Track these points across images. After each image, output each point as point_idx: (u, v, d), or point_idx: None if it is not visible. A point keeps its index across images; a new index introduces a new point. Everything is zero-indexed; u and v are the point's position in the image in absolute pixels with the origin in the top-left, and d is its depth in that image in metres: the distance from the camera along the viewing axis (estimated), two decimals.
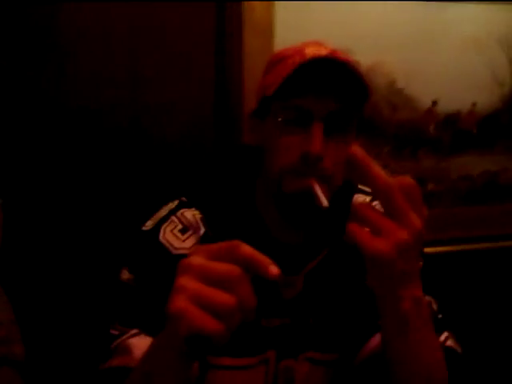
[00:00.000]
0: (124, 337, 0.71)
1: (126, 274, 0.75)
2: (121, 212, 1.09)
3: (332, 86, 0.68)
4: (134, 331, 0.71)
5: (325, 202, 0.65)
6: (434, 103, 1.27)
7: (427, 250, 1.20)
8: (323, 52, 0.70)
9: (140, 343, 0.69)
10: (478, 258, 1.36)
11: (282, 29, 1.13)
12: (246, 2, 1.10)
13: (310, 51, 0.70)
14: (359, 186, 0.86)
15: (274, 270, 0.46)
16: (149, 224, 0.79)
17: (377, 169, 0.49)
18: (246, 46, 1.12)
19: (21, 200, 1.05)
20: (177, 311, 0.45)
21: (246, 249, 0.46)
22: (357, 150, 0.49)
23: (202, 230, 0.77)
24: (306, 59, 0.67)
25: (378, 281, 0.54)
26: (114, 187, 1.10)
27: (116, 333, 0.72)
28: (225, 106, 1.13)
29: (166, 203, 0.81)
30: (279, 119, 0.71)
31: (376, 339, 0.76)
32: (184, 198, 0.81)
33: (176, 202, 0.80)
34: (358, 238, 0.50)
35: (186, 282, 0.45)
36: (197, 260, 0.46)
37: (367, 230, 0.50)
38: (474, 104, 1.31)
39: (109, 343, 0.71)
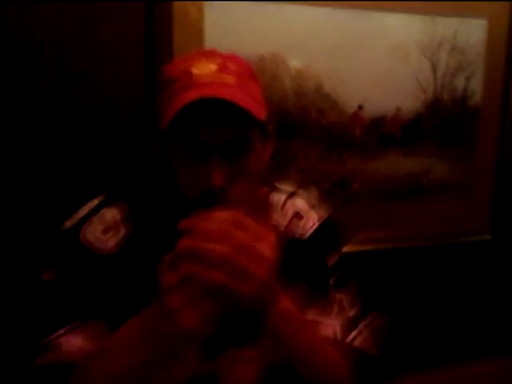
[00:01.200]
0: (52, 336, 0.72)
1: (47, 275, 0.75)
2: (42, 210, 1.08)
3: (223, 116, 0.68)
4: (62, 331, 0.72)
5: None
6: (360, 107, 1.32)
7: (351, 248, 1.26)
8: (211, 69, 0.69)
9: (69, 341, 0.70)
10: (401, 256, 1.44)
11: (211, 30, 1.14)
12: (175, 3, 1.11)
13: (197, 71, 0.69)
14: (276, 185, 0.89)
15: None
16: (68, 224, 0.78)
17: None
18: (175, 46, 1.12)
19: None
20: None
21: None
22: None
23: (123, 231, 0.77)
24: (189, 99, 0.65)
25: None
26: (36, 183, 1.08)
27: (43, 331, 0.72)
28: (154, 107, 1.13)
29: (86, 203, 0.81)
30: (177, 153, 0.71)
31: None
32: (105, 195, 0.80)
33: (96, 202, 0.80)
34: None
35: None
36: None
37: None
38: (398, 109, 1.37)
39: (38, 341, 0.72)
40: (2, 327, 1.07)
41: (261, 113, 0.71)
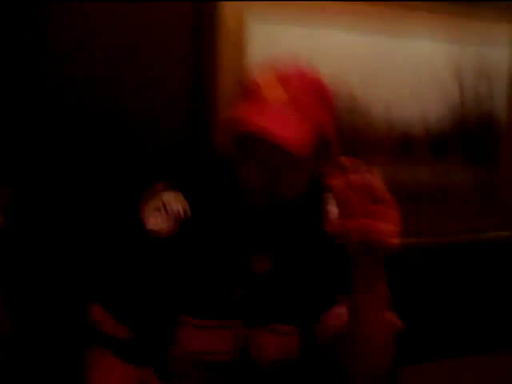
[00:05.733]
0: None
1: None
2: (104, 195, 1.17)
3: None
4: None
5: None
6: (390, 125, 1.40)
7: None
8: (280, 97, 0.77)
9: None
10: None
11: (254, 51, 1.23)
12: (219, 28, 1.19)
13: (269, 96, 0.77)
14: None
15: None
16: (136, 201, 0.88)
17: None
18: (220, 59, 1.21)
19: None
20: None
21: None
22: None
23: (182, 214, 0.86)
24: (254, 129, 0.74)
25: (368, 255, 0.66)
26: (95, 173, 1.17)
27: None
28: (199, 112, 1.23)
29: (152, 184, 0.90)
30: (244, 155, 0.81)
31: (332, 315, 0.87)
32: (171, 181, 0.89)
33: (163, 185, 0.89)
34: (362, 235, 0.62)
35: None
36: None
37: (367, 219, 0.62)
38: (426, 128, 1.45)
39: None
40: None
41: (313, 148, 0.78)
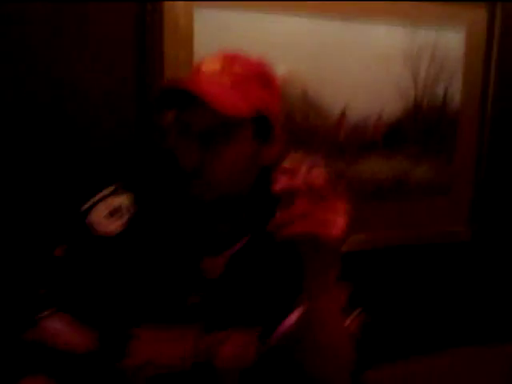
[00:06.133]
0: (42, 314, 0.80)
1: (58, 251, 0.85)
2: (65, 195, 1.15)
3: (205, 105, 0.76)
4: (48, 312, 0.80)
5: None
6: (343, 113, 1.39)
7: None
8: (215, 67, 0.81)
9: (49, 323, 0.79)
10: (385, 255, 1.51)
11: (200, 38, 1.21)
12: (166, 12, 1.17)
13: (204, 68, 0.82)
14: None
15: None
16: (83, 207, 0.88)
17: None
18: (166, 55, 1.19)
19: None
20: None
21: None
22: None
23: (127, 215, 0.86)
24: (180, 86, 0.77)
25: (317, 257, 0.68)
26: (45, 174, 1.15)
27: (36, 305, 0.81)
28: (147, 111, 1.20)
29: (102, 189, 0.90)
30: (172, 128, 0.82)
31: (288, 321, 0.86)
32: (116, 185, 0.89)
33: (108, 190, 0.89)
34: (308, 230, 0.62)
35: None
36: None
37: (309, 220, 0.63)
38: (380, 115, 1.44)
39: (30, 315, 0.80)
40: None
41: (244, 112, 0.78)
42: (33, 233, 1.14)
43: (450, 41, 1.50)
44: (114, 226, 0.85)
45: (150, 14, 1.16)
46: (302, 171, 0.64)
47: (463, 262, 1.63)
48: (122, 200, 0.87)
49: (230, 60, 0.83)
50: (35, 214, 1.14)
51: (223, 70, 0.80)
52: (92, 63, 1.15)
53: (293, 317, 0.85)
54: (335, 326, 0.76)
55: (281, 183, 0.64)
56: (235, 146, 0.80)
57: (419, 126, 1.50)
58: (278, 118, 0.87)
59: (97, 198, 0.88)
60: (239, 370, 0.90)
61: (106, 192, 0.88)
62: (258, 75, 0.84)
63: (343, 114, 1.39)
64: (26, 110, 1.12)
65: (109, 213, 0.85)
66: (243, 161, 0.83)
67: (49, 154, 1.15)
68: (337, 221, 0.64)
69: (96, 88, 1.16)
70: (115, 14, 1.15)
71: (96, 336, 0.81)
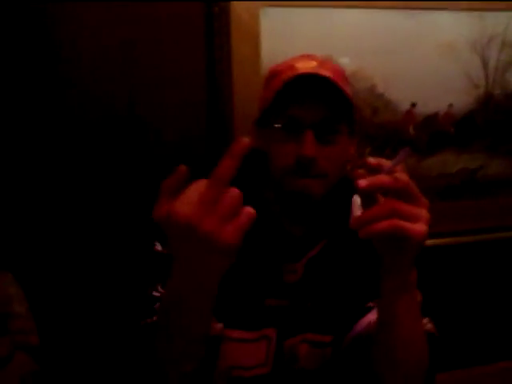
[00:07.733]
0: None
1: (158, 246, 0.84)
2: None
3: (319, 97, 0.76)
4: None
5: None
6: (413, 105, 1.34)
7: None
8: (312, 65, 0.79)
9: None
10: (457, 251, 1.45)
11: (267, 37, 1.20)
12: (232, 13, 1.17)
13: (300, 66, 0.79)
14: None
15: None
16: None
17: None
18: (234, 54, 1.19)
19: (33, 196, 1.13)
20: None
21: None
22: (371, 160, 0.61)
23: None
24: (292, 76, 0.75)
25: (400, 255, 0.64)
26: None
27: (158, 295, 0.79)
28: (216, 109, 1.21)
29: None
30: (276, 127, 0.79)
31: (363, 322, 0.83)
32: None
33: None
34: (397, 225, 0.59)
35: None
36: None
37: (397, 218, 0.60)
38: (450, 105, 1.39)
39: (152, 303, 0.79)
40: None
41: (351, 104, 0.78)
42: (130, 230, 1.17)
43: None
44: None
45: (217, 16, 1.17)
46: (387, 167, 0.62)
47: None
48: None
49: (318, 58, 0.83)
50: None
51: (321, 66, 0.79)
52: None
53: (365, 320, 0.83)
54: (412, 331, 0.71)
55: (368, 179, 0.61)
56: (341, 139, 0.80)
57: (491, 116, 1.44)
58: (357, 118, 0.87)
59: None
60: (318, 372, 0.88)
61: None
62: (344, 74, 0.84)
63: (412, 108, 1.35)
64: (103, 114, 1.15)
65: None
66: (345, 155, 0.82)
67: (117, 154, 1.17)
68: (422, 215, 0.61)
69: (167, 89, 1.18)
70: (184, 16, 1.16)
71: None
